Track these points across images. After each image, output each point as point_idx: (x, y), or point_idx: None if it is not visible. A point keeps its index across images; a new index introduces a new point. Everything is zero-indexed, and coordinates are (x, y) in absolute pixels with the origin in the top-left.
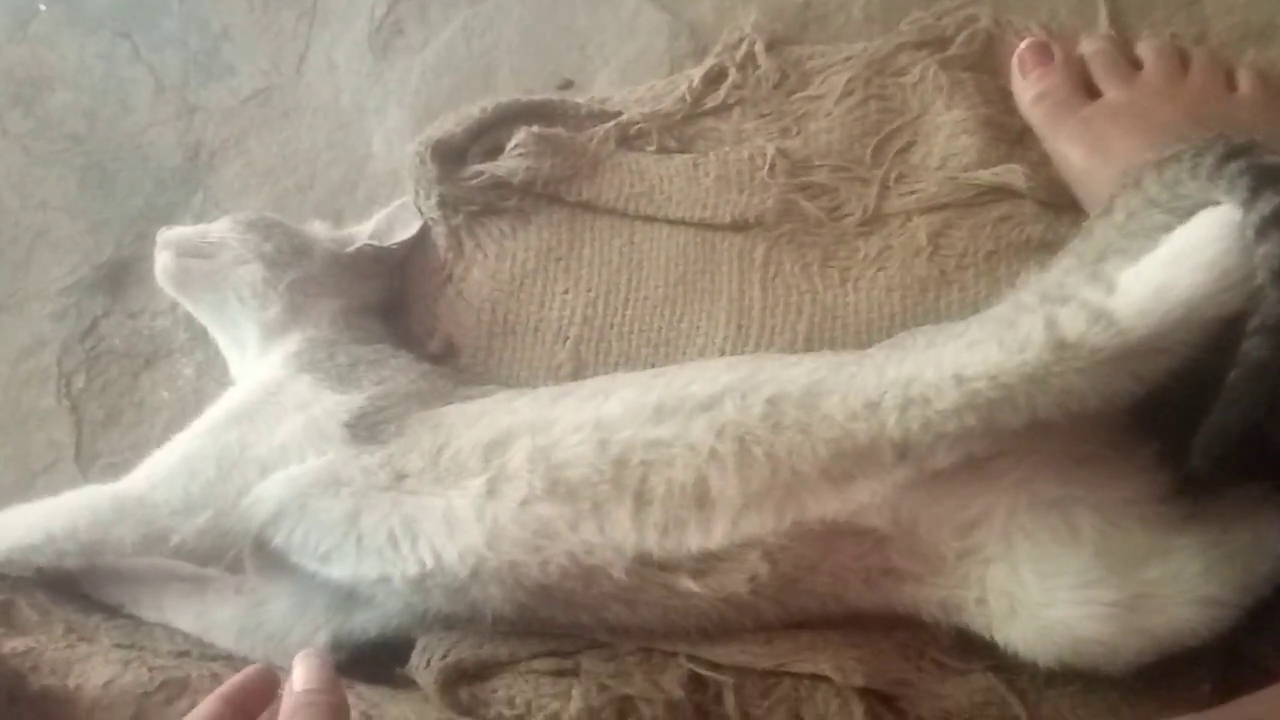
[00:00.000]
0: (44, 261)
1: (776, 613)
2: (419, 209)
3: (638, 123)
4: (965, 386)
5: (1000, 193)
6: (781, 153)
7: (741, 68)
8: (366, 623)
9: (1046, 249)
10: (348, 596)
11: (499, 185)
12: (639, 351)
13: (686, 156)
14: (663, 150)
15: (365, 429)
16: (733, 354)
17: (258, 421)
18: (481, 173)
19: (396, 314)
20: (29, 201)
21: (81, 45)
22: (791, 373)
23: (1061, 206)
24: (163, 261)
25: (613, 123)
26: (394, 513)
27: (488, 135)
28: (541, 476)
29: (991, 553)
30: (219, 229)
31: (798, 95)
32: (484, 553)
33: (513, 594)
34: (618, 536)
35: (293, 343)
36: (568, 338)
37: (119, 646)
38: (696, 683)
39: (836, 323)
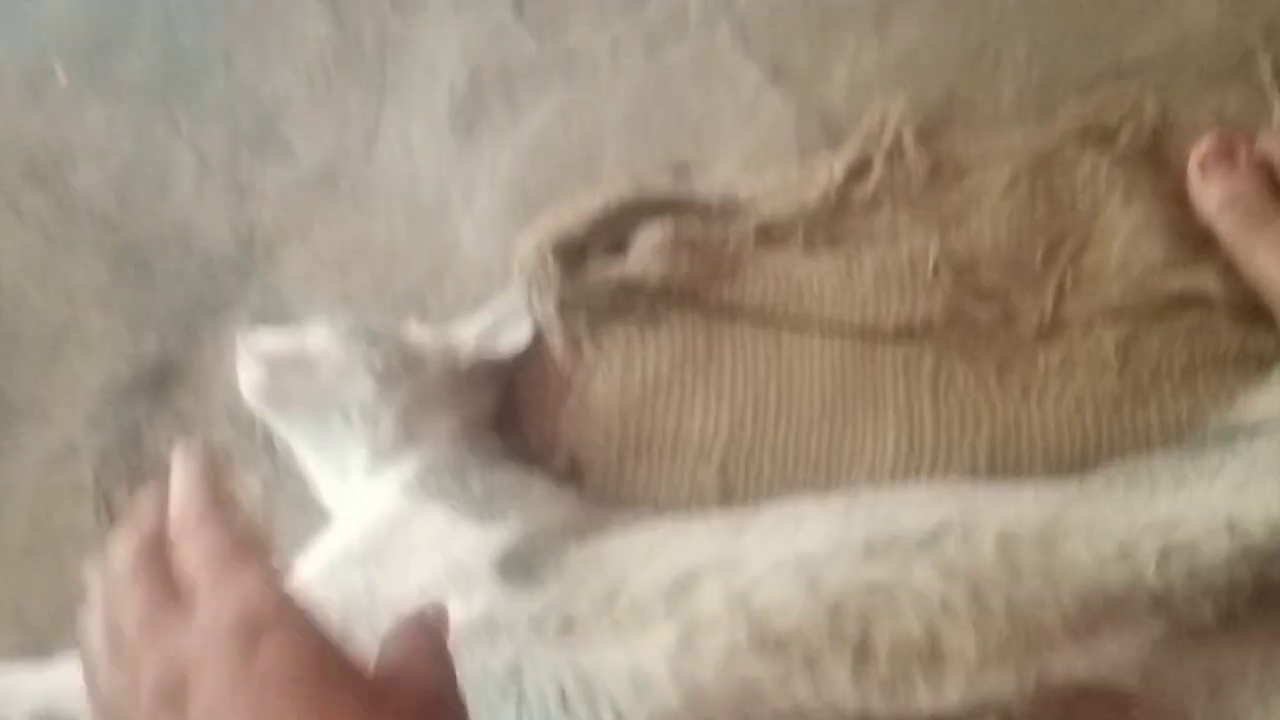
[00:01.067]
0: (73, 361)
1: None
2: (532, 311)
3: (781, 220)
4: (1241, 536)
5: (1189, 302)
6: (945, 253)
7: (889, 158)
8: None
9: (1244, 364)
10: None
11: (628, 287)
12: (796, 473)
13: (838, 256)
14: (810, 247)
15: (519, 568)
16: (906, 476)
17: (386, 562)
18: (609, 274)
19: (508, 429)
20: (53, 293)
21: (109, 115)
22: (1013, 508)
23: (1255, 318)
24: (254, 378)
25: (754, 221)
26: (565, 668)
27: (609, 230)
28: (744, 625)
29: (1246, 712)
30: (317, 339)
31: (954, 190)
32: (681, 714)
33: None
34: (836, 696)
35: (410, 467)
36: (712, 457)
37: None
38: None
39: (1021, 440)
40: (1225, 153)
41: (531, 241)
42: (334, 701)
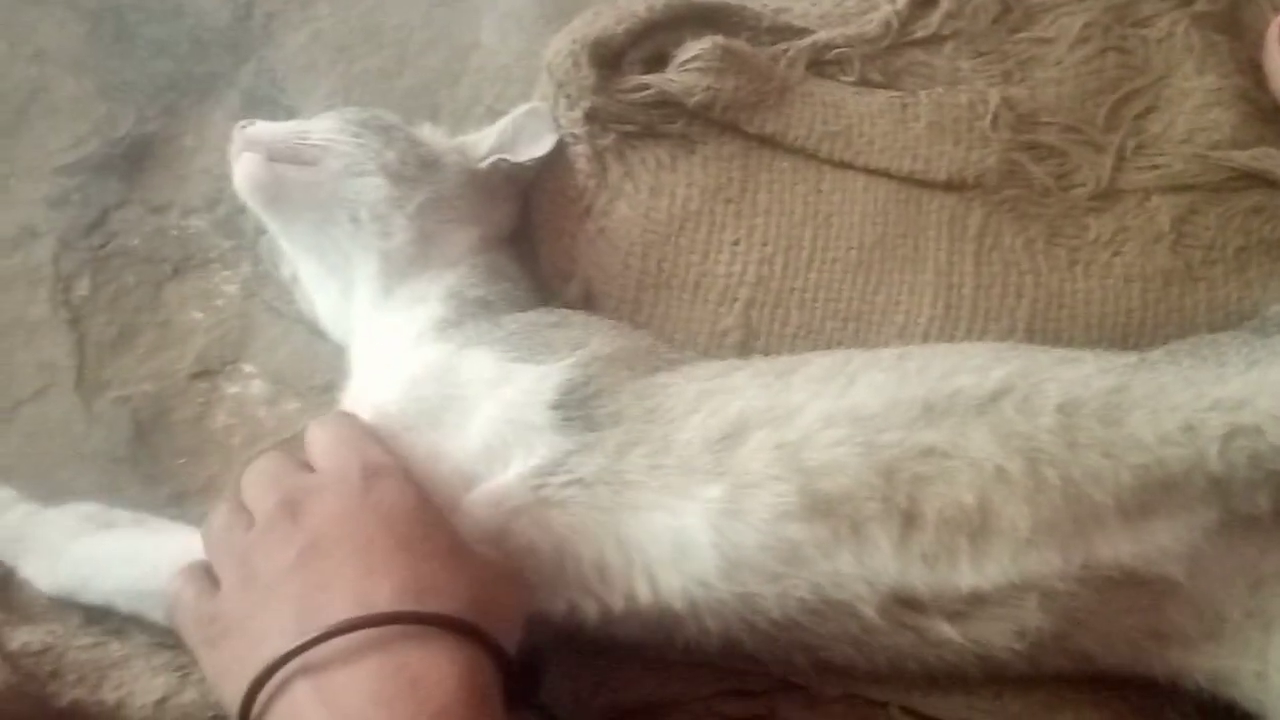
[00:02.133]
0: (38, 129)
1: (1023, 669)
2: (556, 120)
3: (836, 46)
4: None
5: (1253, 180)
6: (1006, 103)
7: None
8: None
9: None
10: None
11: (665, 104)
12: (824, 325)
13: (892, 94)
14: (864, 83)
15: (577, 408)
16: (939, 339)
17: (443, 422)
18: (646, 86)
19: (522, 251)
20: (19, 50)
21: None
22: (1074, 371)
23: None
24: (249, 166)
25: (807, 41)
26: (610, 536)
27: (649, 40)
28: (793, 484)
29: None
30: (323, 128)
31: (1022, 35)
32: (715, 584)
33: (728, 629)
34: (876, 566)
35: (435, 299)
36: (737, 299)
37: (161, 647)
38: None
39: (1063, 312)
40: None
41: (564, 41)
42: (428, 540)
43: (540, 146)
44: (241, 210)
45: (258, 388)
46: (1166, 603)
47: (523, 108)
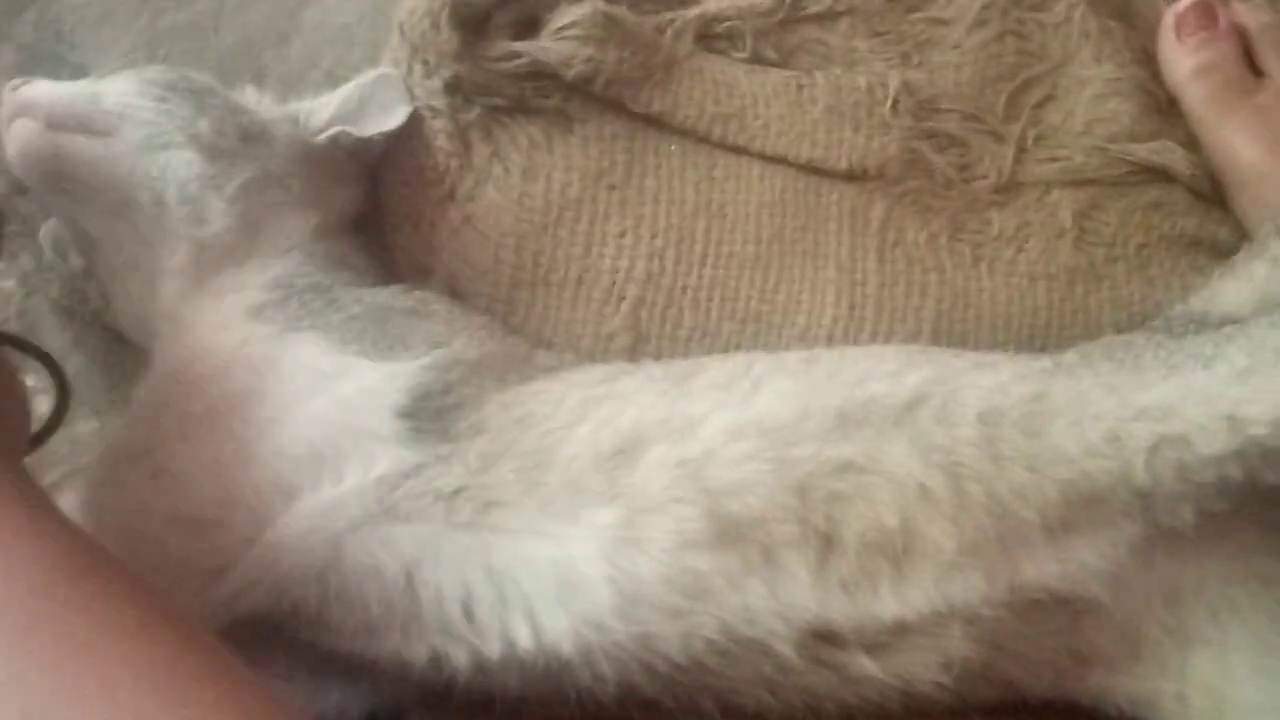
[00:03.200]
0: None
1: (948, 703)
2: (410, 90)
3: (727, 18)
4: (1241, 430)
5: (1152, 174)
6: (905, 87)
7: None
8: (344, 705)
9: (1197, 249)
10: (320, 669)
11: (539, 75)
12: (720, 326)
13: (787, 74)
14: (756, 59)
15: (431, 419)
16: (843, 341)
17: (255, 418)
18: (518, 54)
19: (370, 242)
20: None
21: None
22: (991, 377)
23: (1213, 201)
24: (24, 134)
25: (694, 12)
26: (475, 565)
27: (519, 2)
28: (697, 507)
29: (1198, 634)
30: (119, 90)
31: (918, 15)
32: (610, 624)
33: (625, 675)
34: (792, 598)
35: (256, 287)
36: (624, 298)
37: None
38: None
39: (969, 312)
40: (1207, 14)
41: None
42: None
43: (391, 119)
44: (21, 190)
45: (45, 405)
46: (1087, 623)
47: (371, 73)
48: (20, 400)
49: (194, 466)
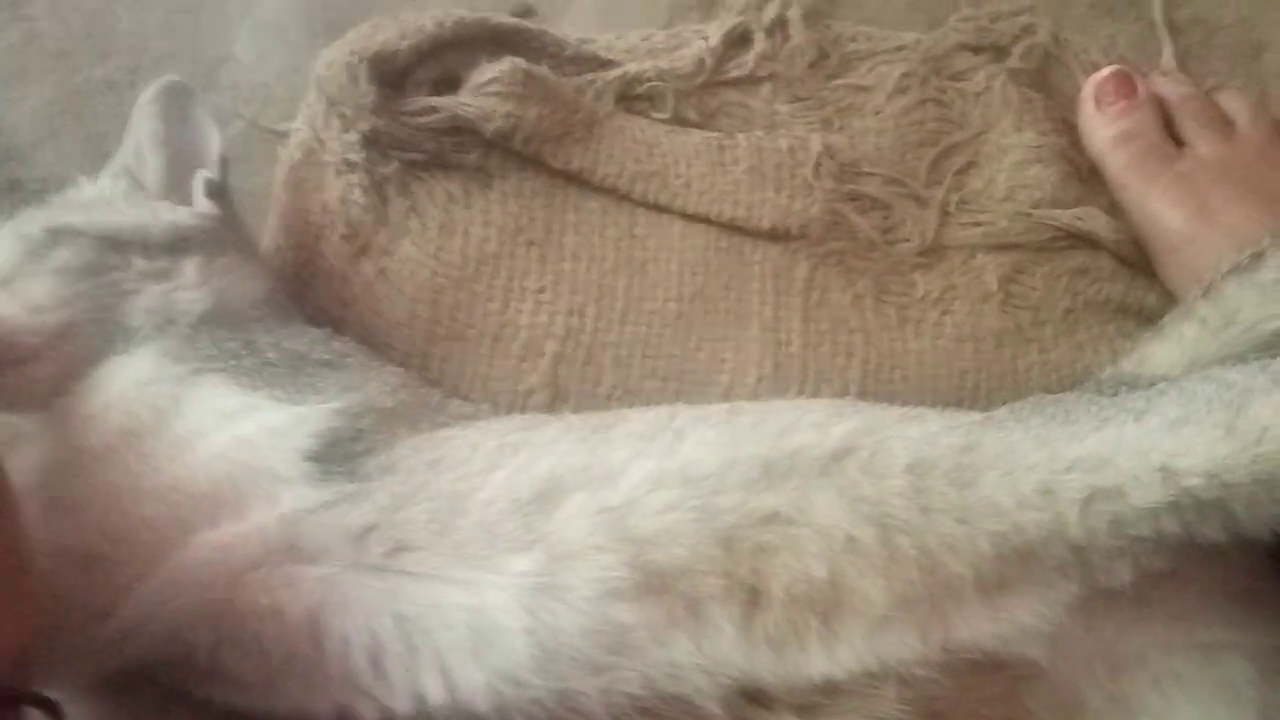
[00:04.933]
0: None
1: None
2: (319, 141)
3: (648, 79)
4: (1175, 481)
5: (1076, 240)
6: (827, 150)
7: (770, 34)
8: None
9: (1124, 314)
10: None
11: (459, 131)
12: (642, 384)
13: (709, 135)
14: (678, 120)
15: (338, 459)
16: (767, 400)
17: (150, 449)
18: (436, 109)
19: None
20: None
21: None
22: (921, 429)
23: (1138, 267)
24: None
25: (616, 72)
26: (384, 611)
27: (437, 60)
28: (622, 558)
29: (1142, 703)
30: (35, 302)
31: (840, 82)
32: (528, 679)
33: None
34: (718, 654)
35: (171, 336)
36: (543, 354)
37: None
38: None
39: (896, 373)
40: (1126, 84)
41: (340, 53)
42: None
43: (210, 136)
44: None
45: None
46: (1025, 690)
47: (139, 112)
48: None
49: (86, 500)
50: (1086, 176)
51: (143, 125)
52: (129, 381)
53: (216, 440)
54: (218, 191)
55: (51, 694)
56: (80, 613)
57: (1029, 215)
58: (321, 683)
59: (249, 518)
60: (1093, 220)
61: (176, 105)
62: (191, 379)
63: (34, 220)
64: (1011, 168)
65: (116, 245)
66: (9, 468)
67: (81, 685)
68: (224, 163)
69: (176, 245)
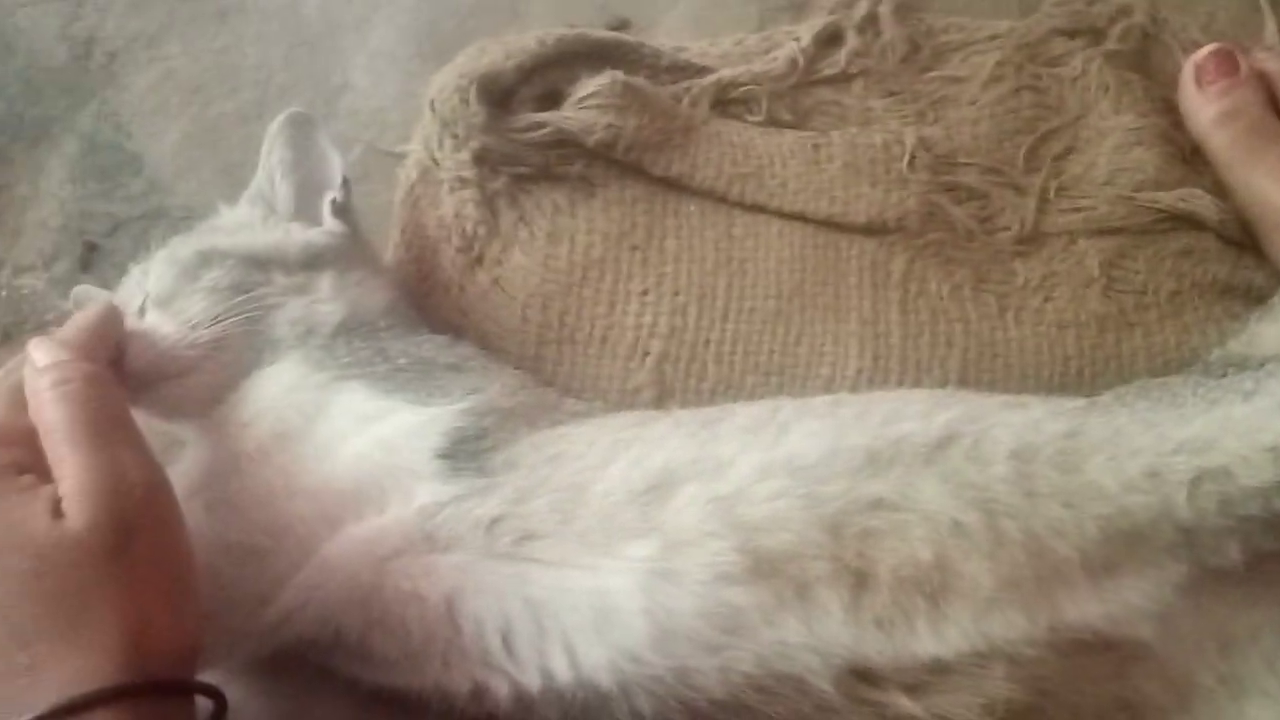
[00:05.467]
0: None
1: None
2: (433, 160)
3: (741, 84)
4: None
5: (1180, 221)
6: (922, 143)
7: (861, 31)
8: None
9: (1231, 294)
10: (367, 708)
11: (562, 144)
12: (744, 379)
13: (803, 134)
14: (772, 122)
15: (466, 457)
16: (870, 391)
17: (301, 453)
18: (542, 124)
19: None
20: None
21: None
22: (1024, 417)
23: (1244, 246)
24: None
25: (710, 79)
26: (515, 595)
27: (541, 77)
28: (731, 542)
29: (1254, 682)
30: (197, 315)
31: (933, 74)
32: (646, 657)
33: (663, 712)
34: (827, 634)
35: (312, 347)
36: (648, 353)
37: None
38: None
39: (997, 361)
40: (1228, 62)
41: (450, 77)
42: None
43: (333, 161)
44: (85, 267)
45: None
46: (1135, 669)
47: (269, 143)
48: None
49: (245, 499)
50: (1189, 157)
51: (272, 155)
52: (278, 390)
53: (358, 442)
54: (343, 211)
55: (212, 676)
56: (243, 601)
57: (1131, 199)
58: (458, 661)
59: (389, 511)
60: (1196, 201)
61: (301, 134)
62: (333, 385)
63: (184, 245)
64: (1111, 151)
65: (259, 264)
66: (172, 474)
67: (239, 667)
68: (347, 184)
69: (311, 262)
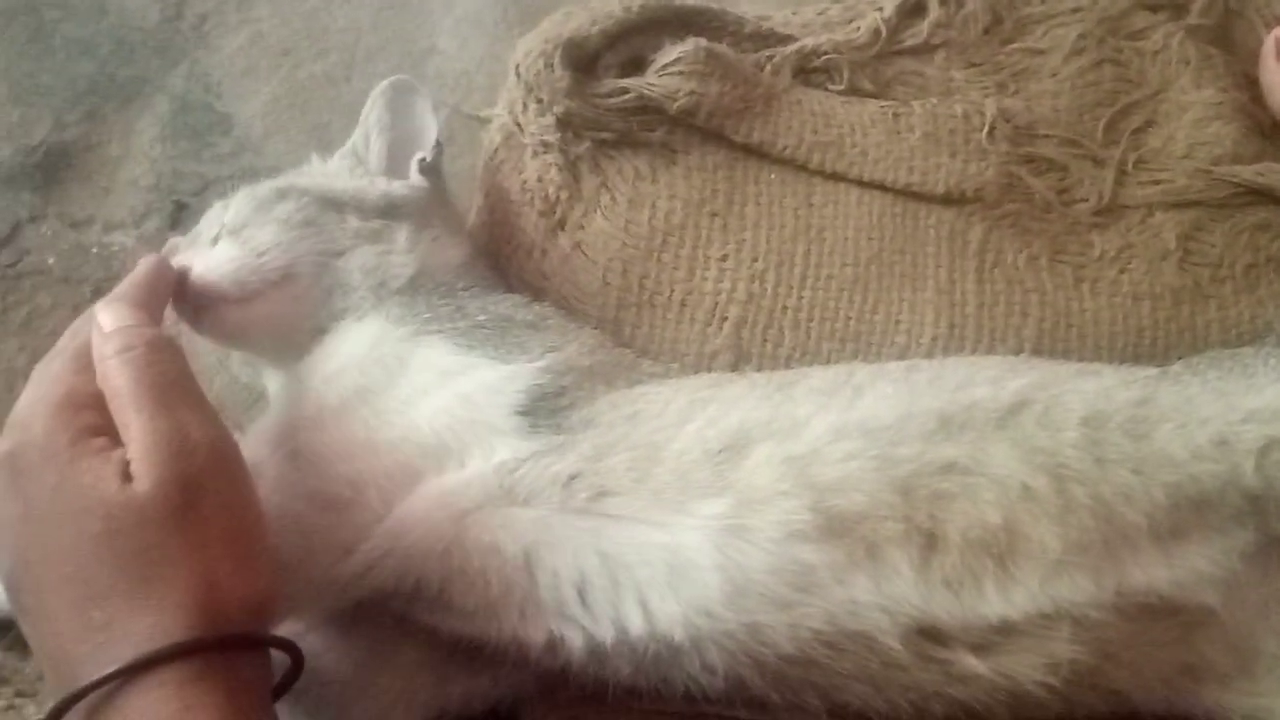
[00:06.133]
0: None
1: (1055, 710)
2: (517, 125)
3: (824, 52)
4: None
5: (1258, 196)
6: (1002, 114)
7: (944, 2)
8: (468, 696)
9: None
10: (445, 659)
11: (645, 110)
12: (820, 345)
13: (884, 103)
14: (853, 91)
15: (546, 416)
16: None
17: (384, 405)
18: (625, 90)
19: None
20: None
21: None
22: (1096, 384)
23: None
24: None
25: (792, 48)
26: (590, 550)
27: (625, 43)
28: (803, 501)
29: None
30: (268, 241)
31: (1014, 46)
32: (719, 612)
33: (734, 667)
34: (896, 593)
35: (391, 303)
36: (726, 318)
37: None
38: None
39: (1072, 331)
40: None
41: (535, 42)
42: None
43: (429, 125)
44: (174, 225)
45: None
46: (1199, 635)
47: (370, 105)
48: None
49: (329, 450)
50: (1268, 132)
51: (371, 114)
52: (361, 344)
53: (439, 397)
54: (430, 170)
55: (291, 628)
56: (325, 551)
57: (1209, 172)
58: (535, 612)
59: (469, 466)
60: (1274, 175)
61: (402, 98)
62: (414, 340)
63: (266, 184)
64: (1191, 125)
65: (335, 205)
66: (256, 427)
67: (320, 617)
68: (439, 146)
69: (389, 210)
